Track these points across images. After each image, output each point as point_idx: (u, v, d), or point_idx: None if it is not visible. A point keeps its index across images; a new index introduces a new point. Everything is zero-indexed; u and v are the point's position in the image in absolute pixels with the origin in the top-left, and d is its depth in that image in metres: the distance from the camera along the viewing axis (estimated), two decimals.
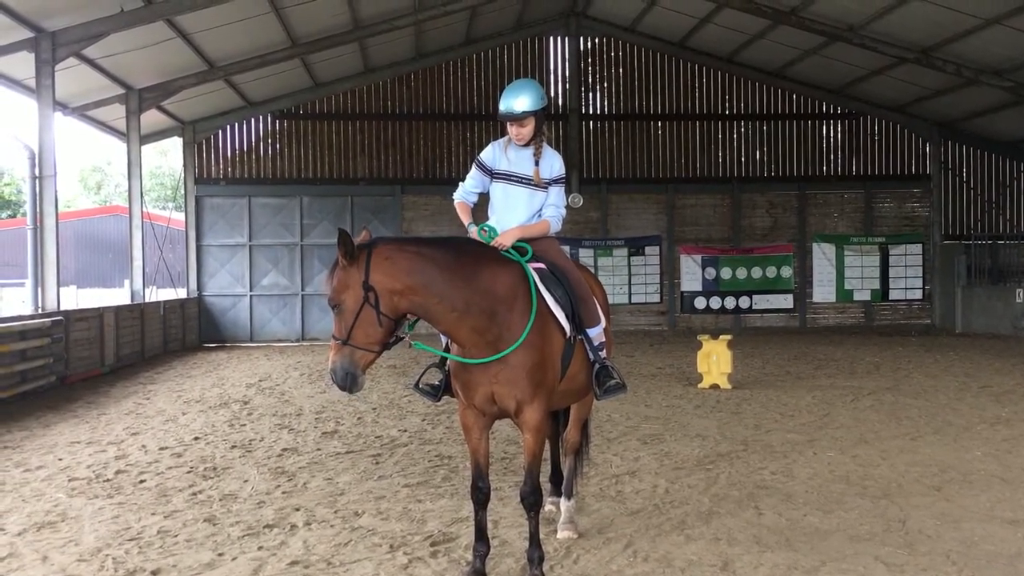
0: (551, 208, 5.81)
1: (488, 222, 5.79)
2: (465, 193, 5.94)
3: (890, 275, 26.16)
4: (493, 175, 5.84)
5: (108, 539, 6.32)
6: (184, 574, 5.61)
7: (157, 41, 17.89)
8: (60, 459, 9.04)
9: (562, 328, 5.41)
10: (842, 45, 21.74)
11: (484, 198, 6.01)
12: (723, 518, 6.67)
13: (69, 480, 8.11)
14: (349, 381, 4.90)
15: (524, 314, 5.18)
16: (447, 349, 5.49)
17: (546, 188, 5.80)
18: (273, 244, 24.71)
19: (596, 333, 5.71)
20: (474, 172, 5.90)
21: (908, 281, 26.25)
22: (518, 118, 5.63)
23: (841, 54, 22.56)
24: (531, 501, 5.34)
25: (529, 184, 5.77)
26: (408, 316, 5.17)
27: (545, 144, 5.83)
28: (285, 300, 24.75)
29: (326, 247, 24.52)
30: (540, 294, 5.34)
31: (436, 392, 5.61)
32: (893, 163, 26.59)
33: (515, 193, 5.78)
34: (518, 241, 5.60)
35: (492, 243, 5.51)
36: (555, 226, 5.83)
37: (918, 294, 26.28)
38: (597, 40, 25.97)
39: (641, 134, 26.03)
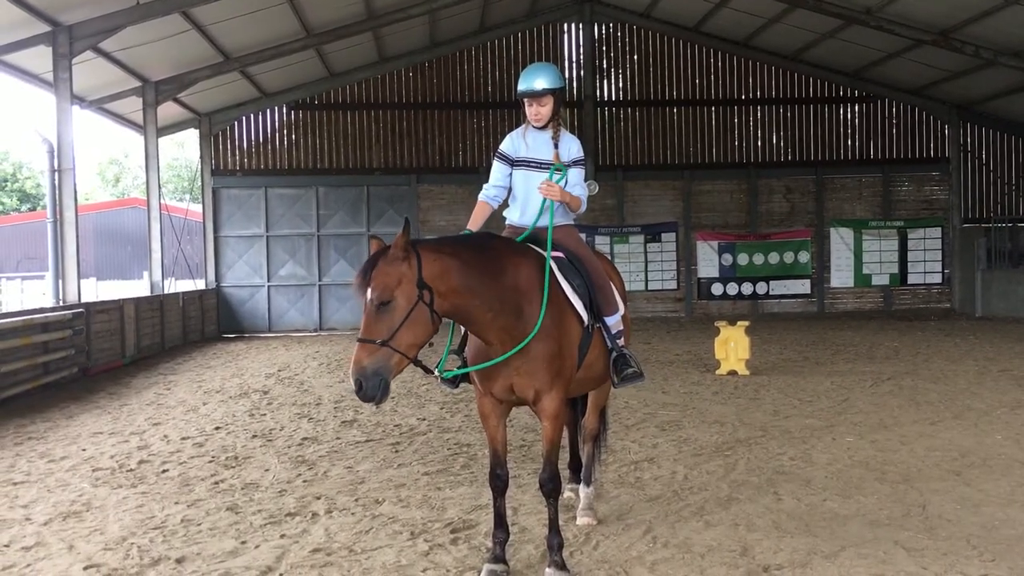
0: (576, 188, 5.81)
1: (508, 210, 5.87)
2: (488, 190, 5.90)
3: (909, 259, 25.98)
4: (514, 164, 5.85)
5: (133, 528, 6.41)
6: (208, 562, 5.68)
7: (173, 33, 17.96)
8: (84, 449, 9.16)
9: (580, 317, 5.42)
10: (859, 28, 21.55)
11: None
12: (742, 504, 6.68)
13: (93, 470, 8.22)
14: (382, 388, 4.60)
15: (540, 304, 5.18)
16: (463, 343, 5.53)
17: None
18: (290, 235, 24.81)
19: (614, 321, 5.72)
20: (496, 165, 5.90)
21: (927, 265, 26.06)
22: (538, 95, 5.64)
23: (858, 37, 22.38)
24: (550, 488, 5.35)
25: (549, 168, 5.78)
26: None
27: (563, 128, 5.85)
28: (302, 290, 24.86)
29: (343, 237, 24.65)
30: (557, 283, 5.35)
31: (454, 379, 5.64)
32: (911, 146, 26.37)
33: (536, 178, 5.76)
34: (539, 231, 5.61)
35: (549, 192, 5.54)
36: (583, 203, 5.85)
37: (937, 278, 26.10)
38: (611, 26, 25.86)
39: (657, 120, 25.94)
